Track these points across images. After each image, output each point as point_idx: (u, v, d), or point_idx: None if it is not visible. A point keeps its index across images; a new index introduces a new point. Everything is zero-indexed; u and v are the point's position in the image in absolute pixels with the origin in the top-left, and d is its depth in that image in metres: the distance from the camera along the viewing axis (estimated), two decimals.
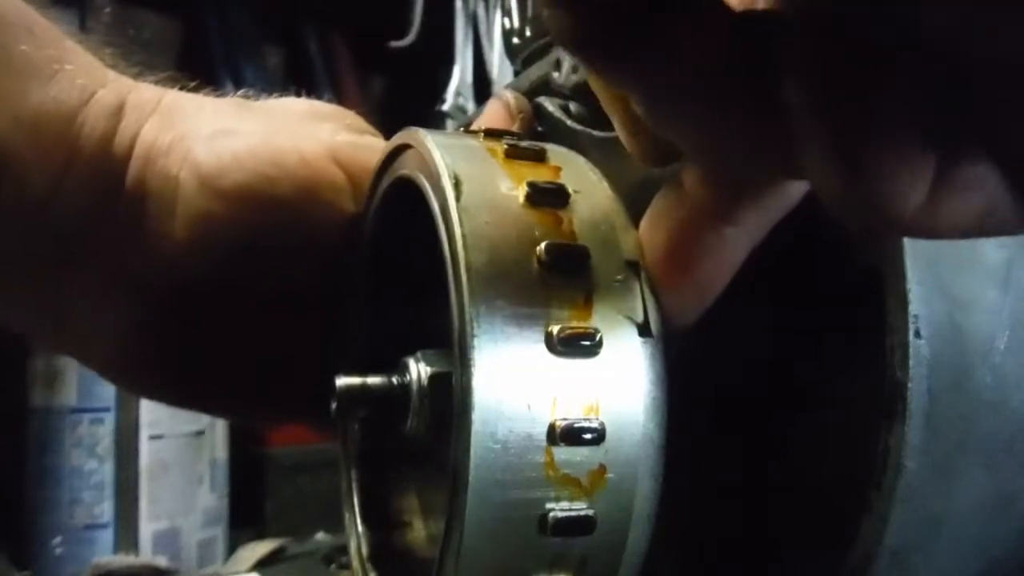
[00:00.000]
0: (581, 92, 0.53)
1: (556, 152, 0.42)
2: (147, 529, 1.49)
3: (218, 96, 0.52)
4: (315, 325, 0.50)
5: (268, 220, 0.46)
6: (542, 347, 0.34)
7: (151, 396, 0.60)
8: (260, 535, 1.58)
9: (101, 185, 0.46)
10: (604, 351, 0.34)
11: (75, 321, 0.49)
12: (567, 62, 0.54)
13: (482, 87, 1.50)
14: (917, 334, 0.30)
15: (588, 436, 0.33)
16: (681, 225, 0.34)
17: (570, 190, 0.38)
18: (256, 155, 0.46)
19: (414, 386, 0.39)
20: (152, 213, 0.46)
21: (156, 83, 0.51)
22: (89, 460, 1.47)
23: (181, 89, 0.51)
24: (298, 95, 0.55)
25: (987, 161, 0.23)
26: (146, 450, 1.50)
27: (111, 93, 0.47)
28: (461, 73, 1.52)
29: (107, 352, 0.50)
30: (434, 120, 1.48)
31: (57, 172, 0.44)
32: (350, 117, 0.53)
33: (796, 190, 0.33)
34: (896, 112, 0.22)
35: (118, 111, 0.47)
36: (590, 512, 0.34)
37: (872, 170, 0.22)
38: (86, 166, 0.45)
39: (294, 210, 0.46)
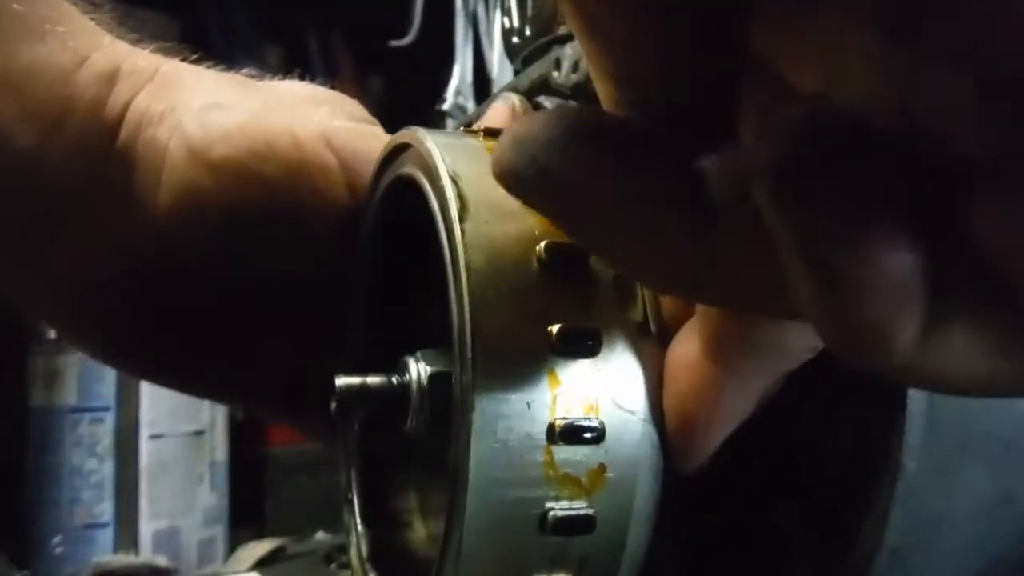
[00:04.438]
0: (581, 92, 0.53)
1: None
2: (147, 529, 1.49)
3: (220, 71, 0.51)
4: (299, 315, 0.50)
5: (254, 197, 0.46)
6: (542, 346, 0.34)
7: (140, 373, 0.60)
8: (260, 535, 1.58)
9: (89, 149, 0.45)
10: (604, 350, 0.34)
11: (63, 289, 0.48)
12: (567, 62, 0.54)
13: (482, 87, 1.50)
14: None
15: (588, 435, 0.33)
16: (676, 369, 0.33)
17: None
18: (246, 131, 0.46)
19: (414, 385, 0.39)
20: (139, 181, 0.46)
21: (156, 51, 0.50)
22: (89, 460, 1.47)
23: (182, 60, 0.51)
24: None
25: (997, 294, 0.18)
26: (146, 450, 1.50)
27: (106, 58, 0.47)
28: (461, 73, 1.52)
29: (94, 323, 0.50)
30: (434, 120, 1.48)
31: (45, 134, 0.44)
32: (349, 104, 0.52)
33: (805, 339, 0.30)
34: (881, 217, 0.17)
35: (112, 76, 0.46)
36: (590, 511, 0.34)
37: (853, 293, 0.17)
38: (75, 129, 0.45)
39: (282, 190, 0.46)
